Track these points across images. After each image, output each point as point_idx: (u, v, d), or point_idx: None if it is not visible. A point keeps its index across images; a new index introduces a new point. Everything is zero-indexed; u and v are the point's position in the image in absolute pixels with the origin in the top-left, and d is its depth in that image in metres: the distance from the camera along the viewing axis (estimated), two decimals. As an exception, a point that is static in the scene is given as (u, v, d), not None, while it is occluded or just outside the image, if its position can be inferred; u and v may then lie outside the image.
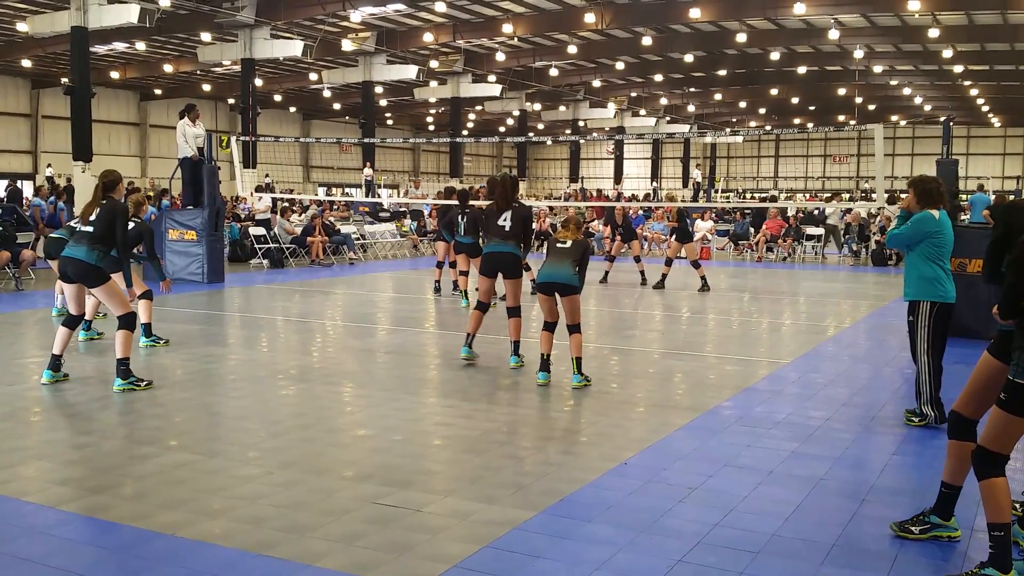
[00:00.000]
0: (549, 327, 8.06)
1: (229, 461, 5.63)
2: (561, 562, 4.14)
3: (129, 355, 7.51)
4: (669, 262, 16.61)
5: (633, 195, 40.46)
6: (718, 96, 49.76)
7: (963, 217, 23.50)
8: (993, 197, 29.67)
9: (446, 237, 14.05)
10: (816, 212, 26.72)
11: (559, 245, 7.99)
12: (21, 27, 29.96)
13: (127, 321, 7.47)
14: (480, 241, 10.83)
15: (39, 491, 5.06)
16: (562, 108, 51.53)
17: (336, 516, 4.67)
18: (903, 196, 7.14)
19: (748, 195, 56.41)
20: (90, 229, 7.39)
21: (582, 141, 49.82)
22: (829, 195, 38.28)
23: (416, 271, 19.75)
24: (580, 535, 4.46)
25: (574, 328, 7.90)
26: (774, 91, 47.19)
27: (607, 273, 17.04)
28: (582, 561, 4.15)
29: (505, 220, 8.58)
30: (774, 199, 35.67)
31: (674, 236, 16.73)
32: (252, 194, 23.81)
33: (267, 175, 39.17)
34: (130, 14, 25.67)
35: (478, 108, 50.72)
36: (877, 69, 39.85)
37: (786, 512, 4.81)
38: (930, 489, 5.26)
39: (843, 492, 5.19)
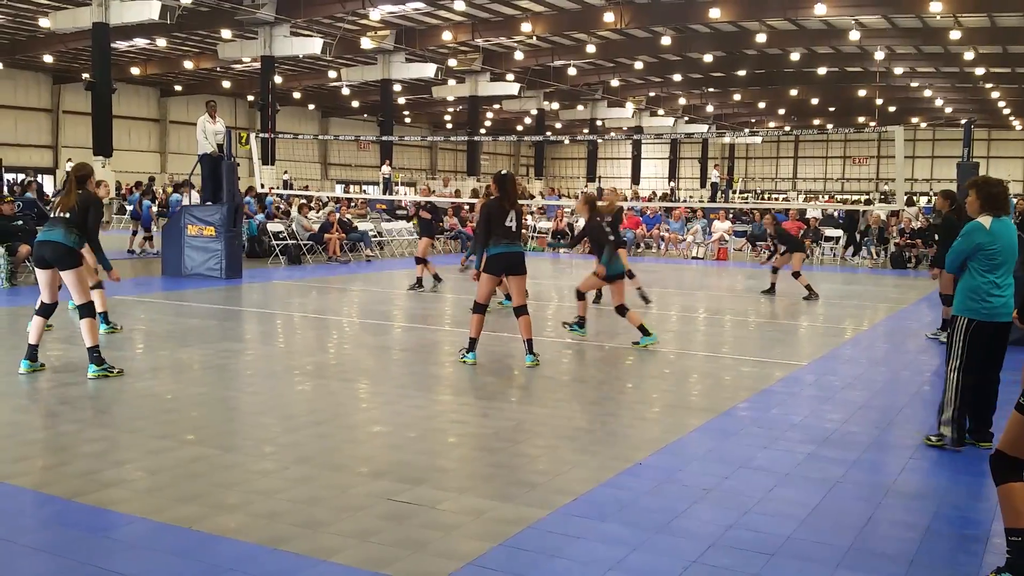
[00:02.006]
0: (623, 309, 9.79)
1: (245, 456, 5.65)
2: (575, 561, 4.14)
3: (97, 342, 7.73)
4: (776, 271, 15.44)
5: (653, 193, 40.39)
6: (737, 96, 49.57)
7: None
8: (1016, 201, 29.41)
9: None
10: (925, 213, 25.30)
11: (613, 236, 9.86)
12: (43, 23, 30.21)
13: (88, 309, 7.73)
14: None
15: (55, 483, 5.09)
16: (580, 107, 51.49)
17: (351, 512, 4.68)
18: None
19: (767, 196, 56.20)
20: (68, 216, 7.71)
21: (600, 141, 49.76)
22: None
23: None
24: (594, 535, 4.45)
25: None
26: (794, 92, 46.97)
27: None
28: (596, 561, 4.14)
29: (511, 220, 8.61)
30: (870, 201, 35.01)
31: (785, 248, 15.49)
32: (169, 189, 22.58)
33: (285, 172, 39.33)
34: (151, 10, 25.84)
35: (496, 107, 50.74)
36: (898, 71, 39.61)
37: (801, 514, 4.79)
38: (947, 493, 5.24)
39: (859, 495, 5.16)
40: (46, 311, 7.89)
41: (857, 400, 7.58)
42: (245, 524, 4.49)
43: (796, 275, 14.93)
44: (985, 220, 5.84)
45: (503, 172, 9.11)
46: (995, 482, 4.00)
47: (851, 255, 23.78)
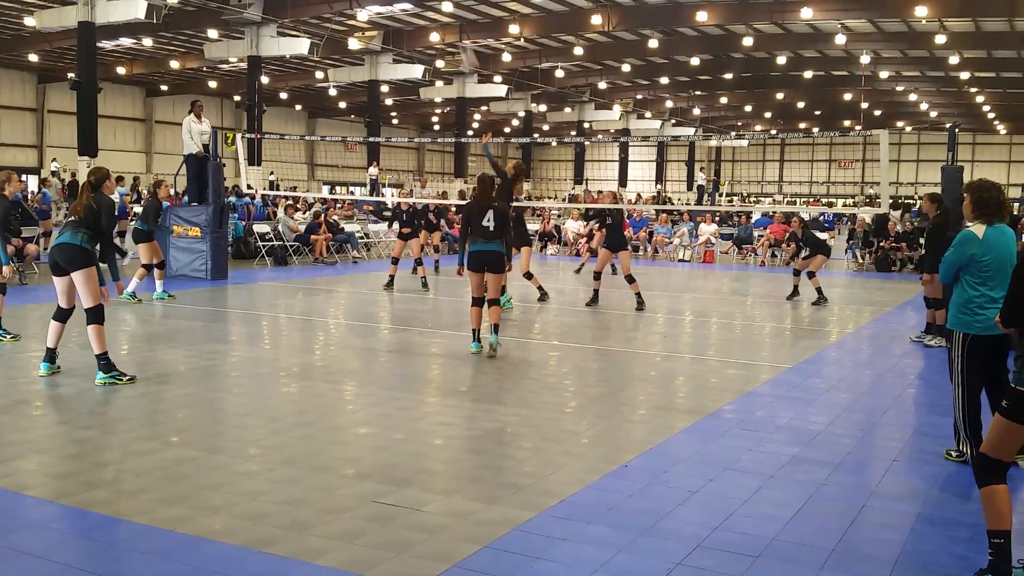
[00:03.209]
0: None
1: (230, 457, 5.63)
2: (560, 563, 4.14)
3: (106, 349, 7.58)
4: (798, 273, 15.06)
5: (638, 195, 40.47)
6: (724, 99, 49.76)
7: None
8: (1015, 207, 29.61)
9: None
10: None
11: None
12: (28, 21, 30.05)
13: (96, 314, 7.53)
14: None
15: (39, 485, 5.06)
16: (567, 110, 51.54)
17: (336, 514, 4.67)
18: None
19: (753, 199, 56.39)
20: (75, 218, 7.67)
21: (587, 143, 49.81)
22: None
23: (419, 270, 19.73)
24: (580, 536, 4.46)
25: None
26: (780, 95, 47.20)
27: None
28: (581, 563, 4.14)
29: (489, 220, 9.20)
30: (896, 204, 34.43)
31: (809, 250, 15.06)
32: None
33: (272, 172, 39.22)
34: (137, 10, 25.71)
35: (483, 108, 50.74)
36: (883, 75, 39.85)
37: (786, 516, 4.80)
38: (931, 495, 5.27)
39: (843, 497, 5.18)
40: (62, 315, 7.78)
41: (842, 402, 7.61)
42: (230, 526, 4.47)
43: (811, 275, 14.70)
44: (978, 228, 5.36)
45: (480, 173, 9.67)
46: (978, 484, 4.03)
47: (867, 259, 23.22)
